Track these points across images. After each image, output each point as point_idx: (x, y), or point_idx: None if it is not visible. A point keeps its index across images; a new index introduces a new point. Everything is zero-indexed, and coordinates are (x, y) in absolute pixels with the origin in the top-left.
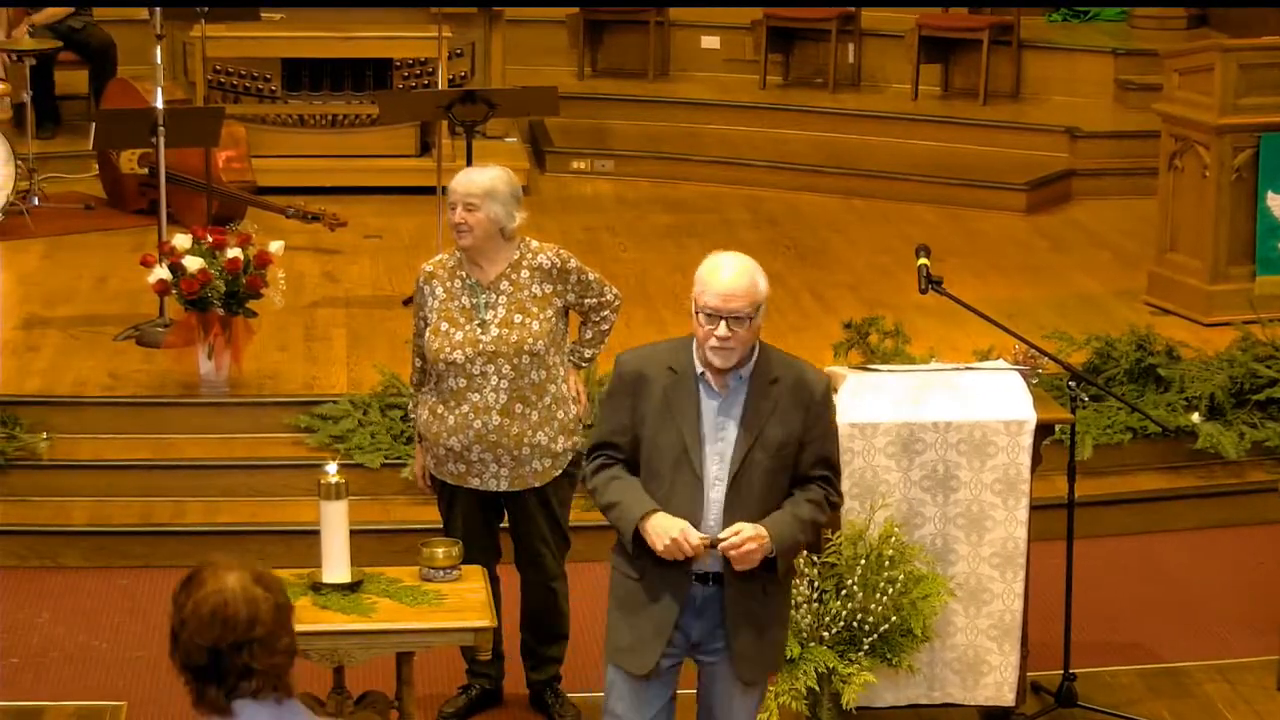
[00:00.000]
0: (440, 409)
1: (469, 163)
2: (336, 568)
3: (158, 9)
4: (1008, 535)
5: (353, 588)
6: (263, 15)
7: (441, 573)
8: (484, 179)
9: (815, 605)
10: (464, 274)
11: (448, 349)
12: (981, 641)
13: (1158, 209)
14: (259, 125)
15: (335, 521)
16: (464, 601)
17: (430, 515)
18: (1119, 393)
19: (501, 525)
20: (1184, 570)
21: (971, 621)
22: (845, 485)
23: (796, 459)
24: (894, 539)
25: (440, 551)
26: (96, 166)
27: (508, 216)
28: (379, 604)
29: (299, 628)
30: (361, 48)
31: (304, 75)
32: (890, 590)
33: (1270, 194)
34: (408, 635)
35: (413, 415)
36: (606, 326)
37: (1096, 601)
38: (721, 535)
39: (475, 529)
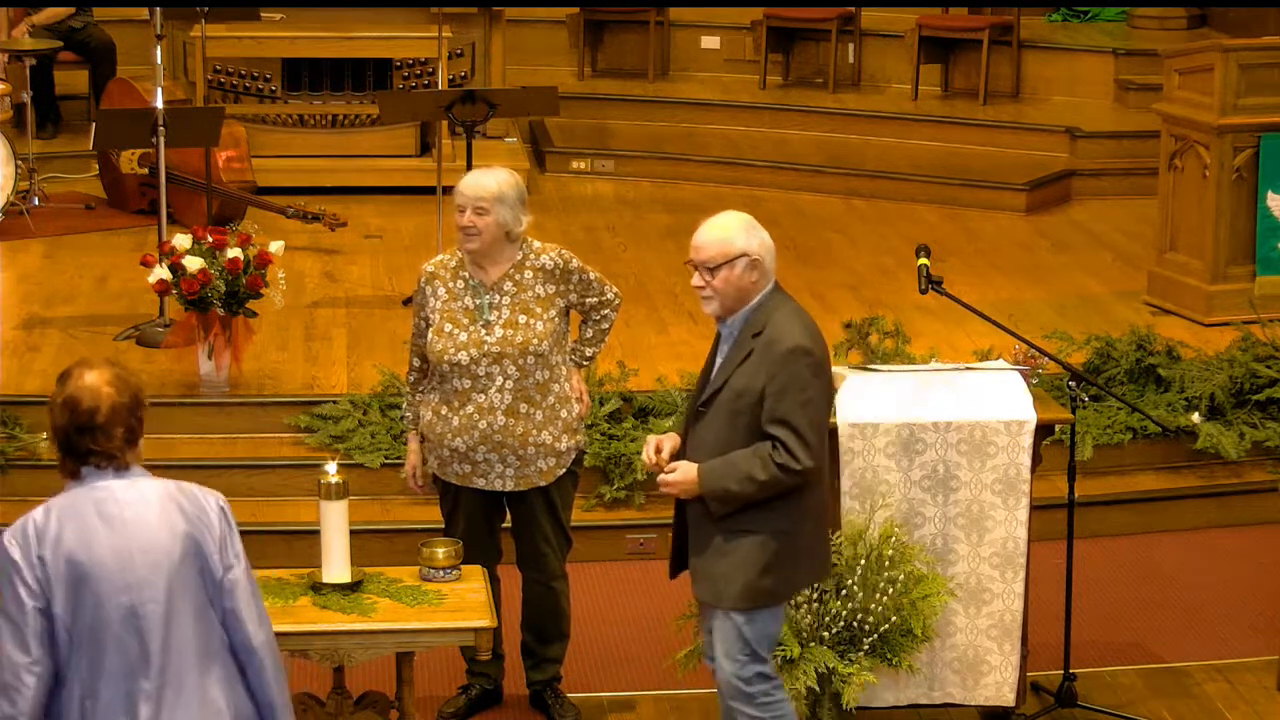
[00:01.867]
0: (444, 410)
1: (469, 163)
2: (336, 568)
3: (158, 9)
4: (1008, 535)
5: (353, 588)
6: (263, 15)
7: (441, 573)
8: (493, 183)
9: (815, 605)
10: (466, 275)
11: (452, 350)
12: (981, 641)
13: (1158, 209)
14: (259, 125)
15: (335, 521)
16: (464, 601)
17: (430, 515)
18: (1119, 393)
19: (503, 525)
20: (1184, 570)
21: (971, 621)
22: (845, 485)
23: (757, 410)
24: (894, 539)
25: (440, 551)
26: (96, 166)
27: (515, 220)
28: (379, 604)
29: (299, 627)
30: (361, 48)
31: (304, 75)
32: (890, 590)
33: (1270, 194)
34: (408, 635)
35: (406, 414)
36: (607, 325)
37: (1096, 601)
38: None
39: (478, 529)
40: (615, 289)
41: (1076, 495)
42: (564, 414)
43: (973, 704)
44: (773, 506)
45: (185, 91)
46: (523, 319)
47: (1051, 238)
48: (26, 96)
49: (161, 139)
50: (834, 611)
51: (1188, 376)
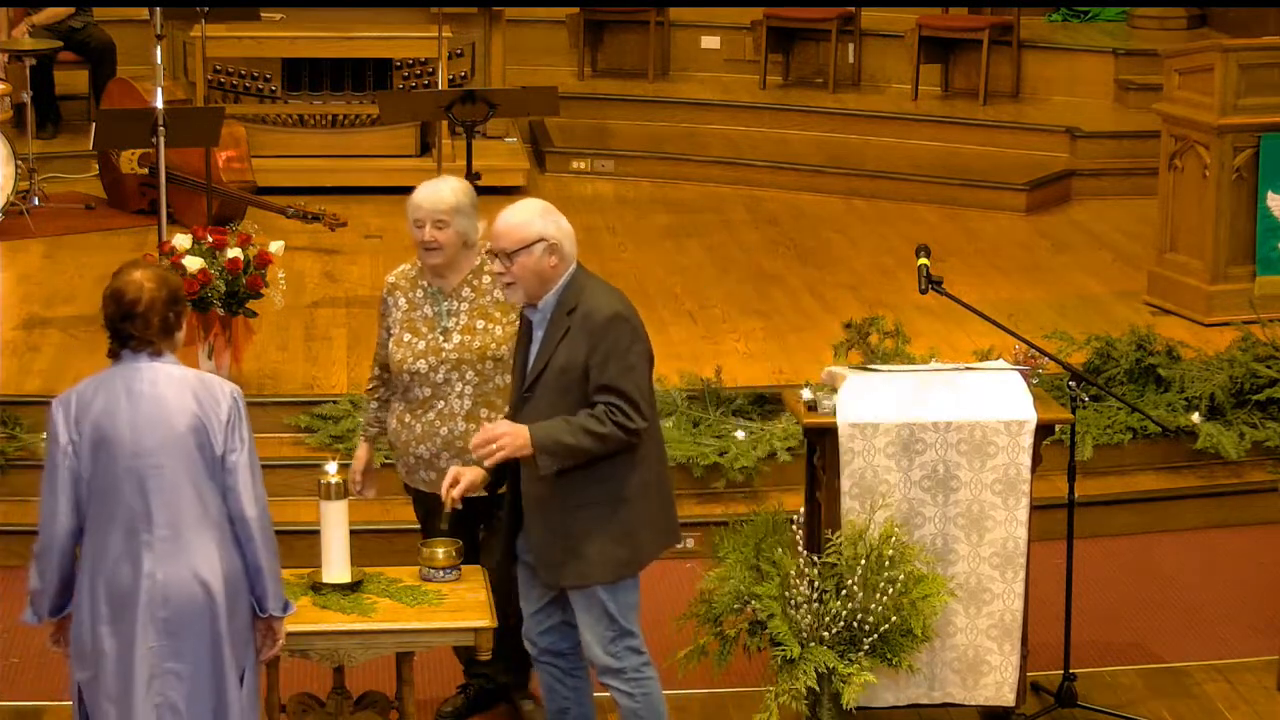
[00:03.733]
0: (407, 417)
1: (469, 163)
2: (336, 568)
3: (158, 9)
4: (1008, 535)
5: (353, 588)
6: (263, 15)
7: (441, 573)
8: (450, 194)
9: (815, 605)
10: (425, 283)
11: (410, 359)
12: (981, 641)
13: (1158, 209)
14: (259, 125)
15: (335, 521)
16: (464, 601)
17: None
18: (1119, 393)
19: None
20: (1184, 570)
21: (971, 621)
22: (845, 485)
23: (584, 384)
24: (894, 539)
25: (440, 551)
26: (96, 166)
27: (472, 228)
28: (379, 604)
29: (299, 627)
30: (361, 48)
31: (304, 75)
32: (890, 590)
33: (1270, 194)
34: (408, 635)
35: (361, 421)
36: None
37: (1096, 601)
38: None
39: (454, 534)
40: None
41: (1076, 495)
42: None
43: (973, 704)
44: (607, 478)
45: (185, 91)
46: (481, 324)
47: (1051, 238)
48: (26, 96)
49: (161, 139)
50: (834, 611)
51: (1188, 376)
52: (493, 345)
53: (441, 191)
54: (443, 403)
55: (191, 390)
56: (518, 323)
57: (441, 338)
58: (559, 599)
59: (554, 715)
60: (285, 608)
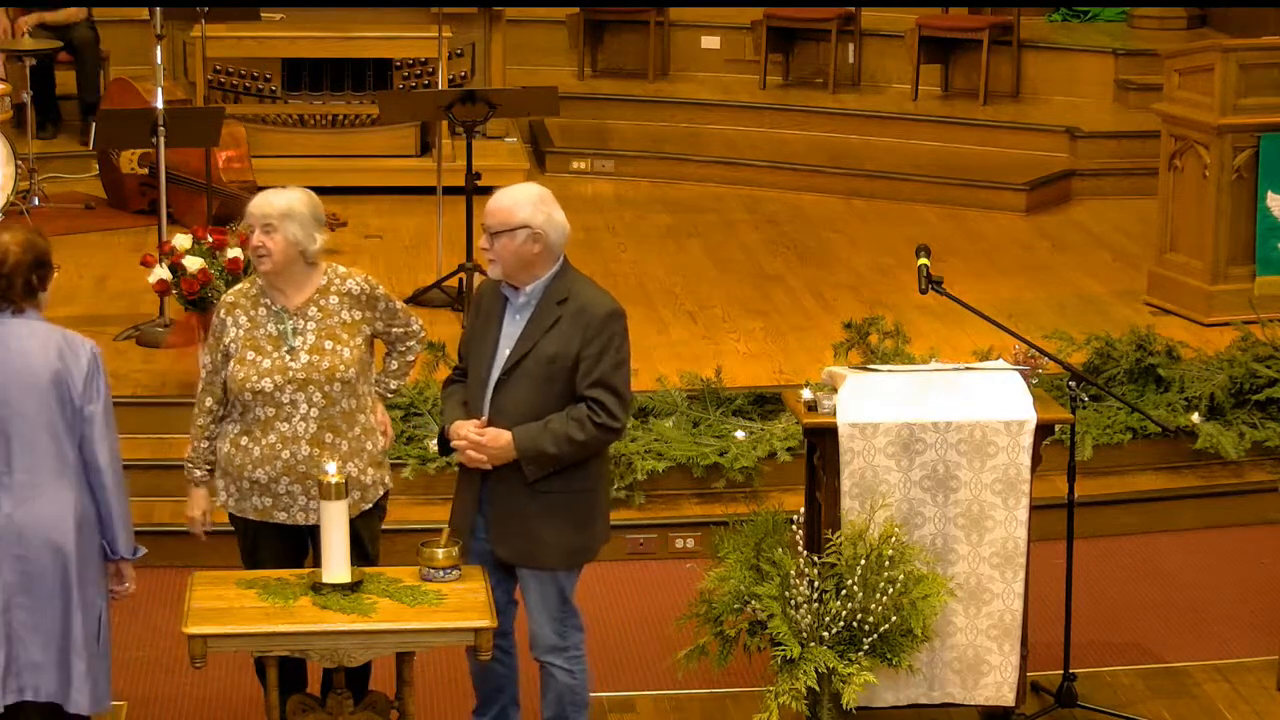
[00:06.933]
0: (244, 440)
1: (469, 163)
2: (336, 568)
3: (158, 9)
4: (1008, 535)
5: (353, 588)
6: (263, 15)
7: (441, 573)
8: (281, 200)
9: (815, 605)
10: (268, 301)
11: (255, 377)
12: (981, 641)
13: (1158, 209)
14: (259, 125)
15: (335, 521)
16: (464, 601)
17: (430, 515)
18: (1119, 393)
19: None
20: (1184, 570)
21: (971, 621)
22: (845, 485)
23: (573, 376)
24: (894, 539)
25: (440, 552)
26: (96, 166)
27: (309, 238)
28: (379, 604)
29: (299, 627)
30: (361, 48)
31: (304, 75)
32: (890, 590)
33: (1270, 194)
34: (408, 635)
35: (191, 463)
36: (411, 358)
37: (1096, 601)
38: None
39: (284, 567)
40: (419, 321)
41: (1076, 495)
42: (369, 446)
43: (973, 704)
44: (572, 469)
45: (185, 91)
46: (329, 345)
47: (1051, 238)
48: (26, 96)
49: (161, 139)
50: (834, 611)
51: (1188, 376)
52: (341, 367)
53: (273, 197)
54: (286, 425)
55: (55, 345)
56: (364, 346)
57: (288, 356)
58: (503, 579)
59: (489, 695)
60: (135, 552)
